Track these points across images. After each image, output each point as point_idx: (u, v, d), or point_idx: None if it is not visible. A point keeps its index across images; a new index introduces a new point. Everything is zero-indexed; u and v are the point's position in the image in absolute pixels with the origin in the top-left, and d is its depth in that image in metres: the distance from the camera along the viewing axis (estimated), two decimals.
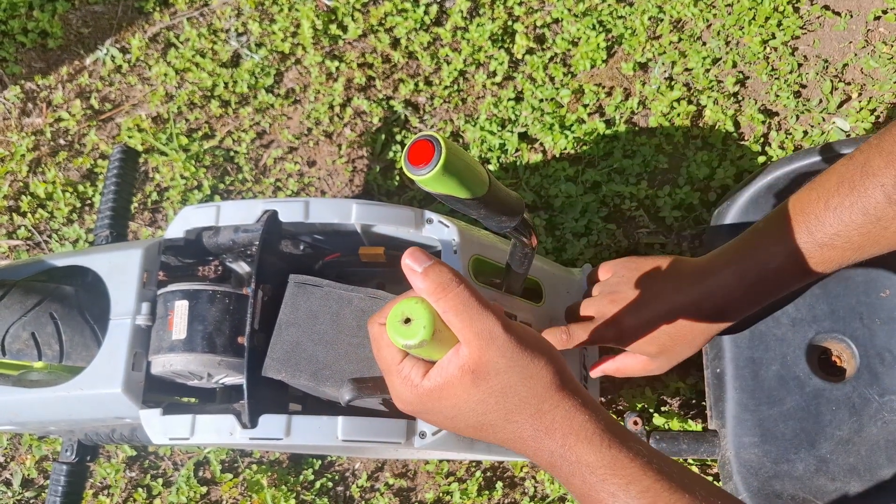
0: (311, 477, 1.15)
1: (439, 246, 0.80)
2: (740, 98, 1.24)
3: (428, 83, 1.32)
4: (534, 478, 1.12)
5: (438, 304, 0.53)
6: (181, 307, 0.77)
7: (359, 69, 1.33)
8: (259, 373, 0.75)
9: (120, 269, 0.81)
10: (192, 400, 0.93)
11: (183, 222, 0.83)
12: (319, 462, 1.16)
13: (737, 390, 0.92)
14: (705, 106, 1.23)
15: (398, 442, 0.74)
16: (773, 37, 1.25)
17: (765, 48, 1.25)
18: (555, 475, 0.56)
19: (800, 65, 1.24)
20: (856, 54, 1.24)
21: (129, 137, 1.34)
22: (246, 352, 0.75)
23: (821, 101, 1.21)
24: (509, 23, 1.32)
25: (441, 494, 1.12)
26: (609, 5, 1.31)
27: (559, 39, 1.29)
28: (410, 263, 0.54)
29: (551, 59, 1.30)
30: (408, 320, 0.53)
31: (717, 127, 1.22)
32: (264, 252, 0.79)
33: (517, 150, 1.25)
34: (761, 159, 1.18)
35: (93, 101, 1.38)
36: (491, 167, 1.25)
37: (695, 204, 1.18)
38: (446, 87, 1.30)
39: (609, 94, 1.27)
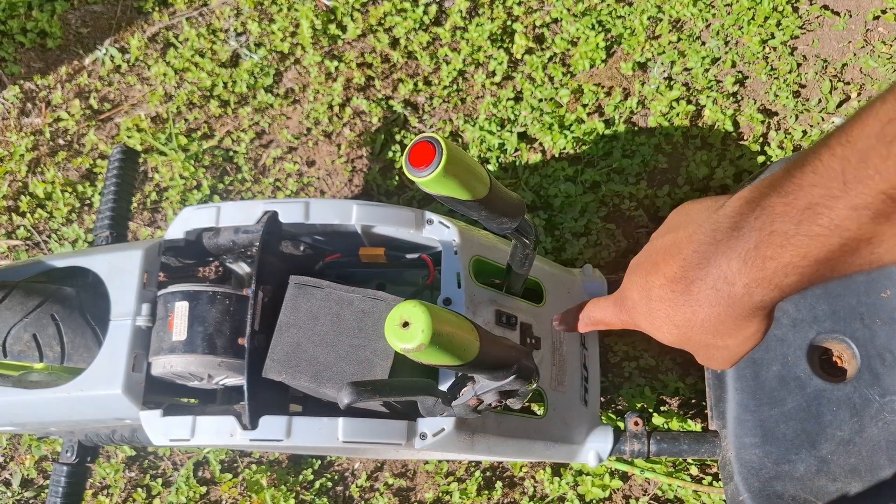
0: (311, 477, 1.15)
1: (439, 247, 0.80)
2: (739, 98, 1.24)
3: (427, 83, 1.32)
4: (533, 478, 1.12)
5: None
6: (181, 308, 0.77)
7: (358, 69, 1.33)
8: (259, 374, 0.75)
9: (120, 271, 0.80)
10: (193, 401, 0.93)
11: (183, 223, 0.83)
12: (319, 462, 1.16)
13: (737, 391, 0.92)
14: (704, 106, 1.23)
15: (399, 443, 0.74)
16: (773, 36, 1.25)
17: (764, 48, 1.25)
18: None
19: (799, 64, 1.24)
20: (855, 54, 1.24)
21: (129, 137, 1.34)
22: (246, 353, 0.74)
23: (820, 100, 1.21)
24: (508, 23, 1.32)
25: (440, 494, 1.12)
26: (608, 5, 1.30)
27: (558, 39, 1.29)
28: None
29: (550, 58, 1.30)
30: (406, 324, 0.52)
31: (716, 127, 1.22)
32: (264, 253, 0.79)
33: (516, 150, 1.25)
34: (761, 159, 1.18)
35: (92, 101, 1.38)
36: (490, 167, 1.24)
37: None
38: (445, 87, 1.30)
39: (608, 93, 1.27)
